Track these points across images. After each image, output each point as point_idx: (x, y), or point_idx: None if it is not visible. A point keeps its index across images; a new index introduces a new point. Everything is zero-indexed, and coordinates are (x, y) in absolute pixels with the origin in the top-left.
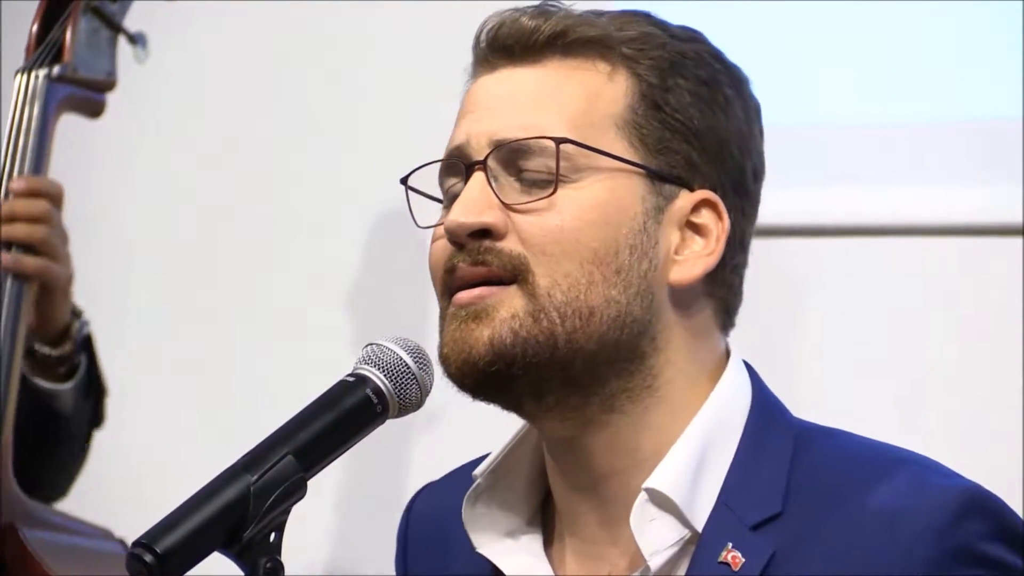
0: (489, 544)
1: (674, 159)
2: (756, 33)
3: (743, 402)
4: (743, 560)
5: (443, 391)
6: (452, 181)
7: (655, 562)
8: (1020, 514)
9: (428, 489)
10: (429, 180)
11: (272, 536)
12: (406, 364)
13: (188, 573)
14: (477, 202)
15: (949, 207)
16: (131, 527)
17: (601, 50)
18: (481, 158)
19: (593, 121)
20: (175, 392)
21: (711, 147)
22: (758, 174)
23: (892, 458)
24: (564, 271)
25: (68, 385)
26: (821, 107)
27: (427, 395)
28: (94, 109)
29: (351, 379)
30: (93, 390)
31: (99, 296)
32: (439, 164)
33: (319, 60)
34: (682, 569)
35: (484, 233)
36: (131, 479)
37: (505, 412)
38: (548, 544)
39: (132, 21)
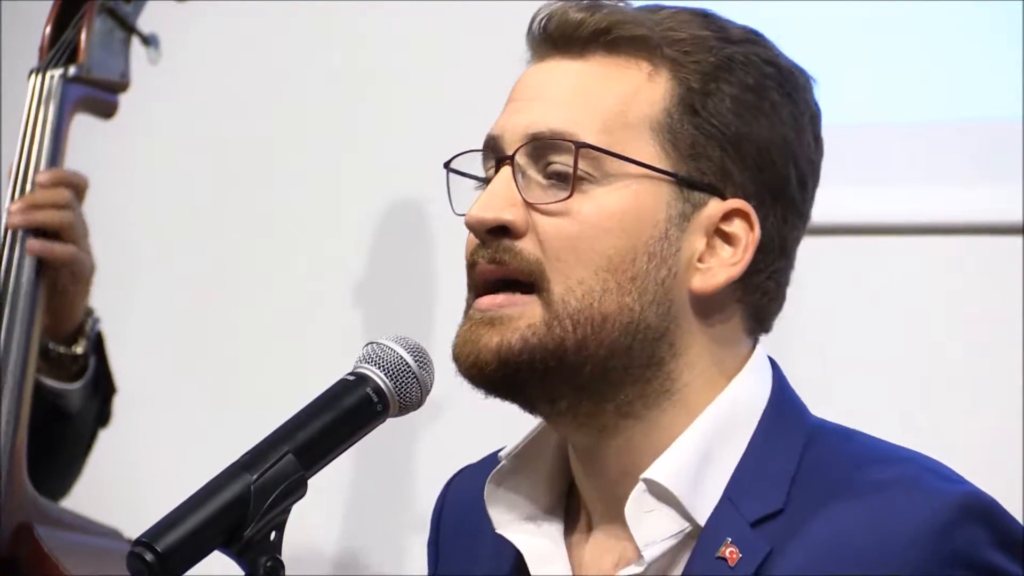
0: (509, 526)
1: (707, 166)
2: None
3: (759, 400)
4: (740, 556)
5: (452, 385)
6: (489, 165)
7: (650, 553)
8: (1021, 513)
9: (465, 472)
10: (470, 160)
11: (272, 535)
12: (407, 363)
13: (189, 572)
14: (499, 198)
15: (949, 206)
16: (131, 526)
17: (644, 49)
18: (511, 152)
19: (627, 121)
20: (175, 391)
21: (748, 155)
22: (805, 181)
23: (897, 460)
24: (578, 278)
25: (76, 385)
26: (821, 107)
27: (427, 394)
28: (107, 110)
29: (351, 378)
30: (101, 389)
31: (100, 295)
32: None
33: (321, 61)
34: (683, 562)
35: (503, 230)
36: (131, 478)
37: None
38: (570, 531)
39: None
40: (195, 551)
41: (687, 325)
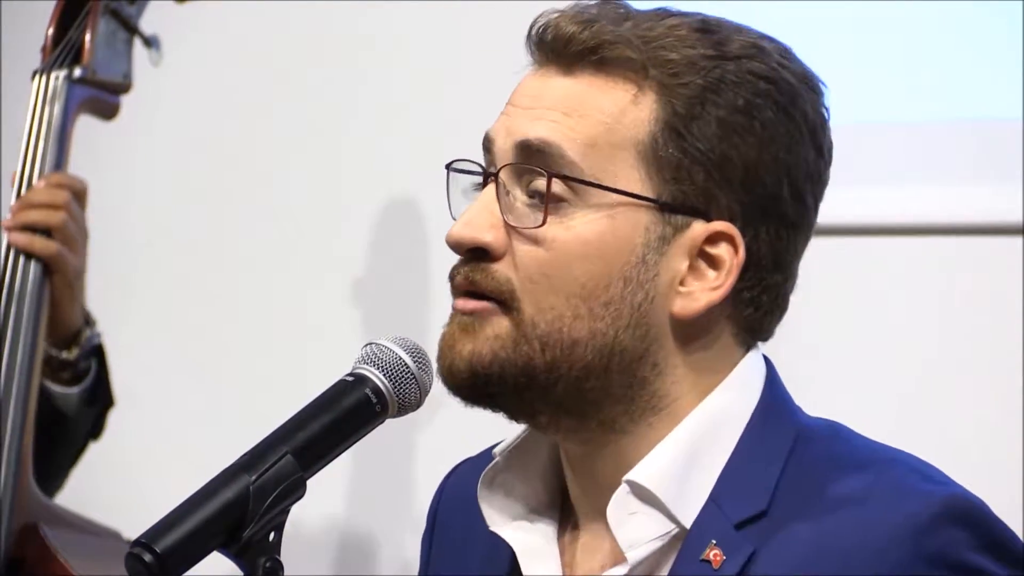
0: (503, 523)
1: (690, 188)
2: None
3: (747, 402)
4: (724, 558)
5: None
6: (488, 160)
7: (633, 555)
8: (1021, 513)
9: (463, 466)
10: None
11: (271, 535)
12: (405, 364)
13: (187, 573)
14: (480, 217)
15: (949, 206)
16: (131, 527)
17: (631, 70)
18: (498, 166)
19: (612, 142)
20: (174, 391)
21: (734, 177)
22: (802, 195)
23: (883, 461)
24: (549, 303)
25: (73, 390)
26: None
27: (426, 395)
28: (109, 111)
29: (350, 379)
30: (99, 400)
31: (101, 295)
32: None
33: (321, 61)
34: (668, 564)
35: (481, 251)
36: (130, 479)
37: None
38: (564, 529)
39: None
40: (194, 552)
41: (670, 346)
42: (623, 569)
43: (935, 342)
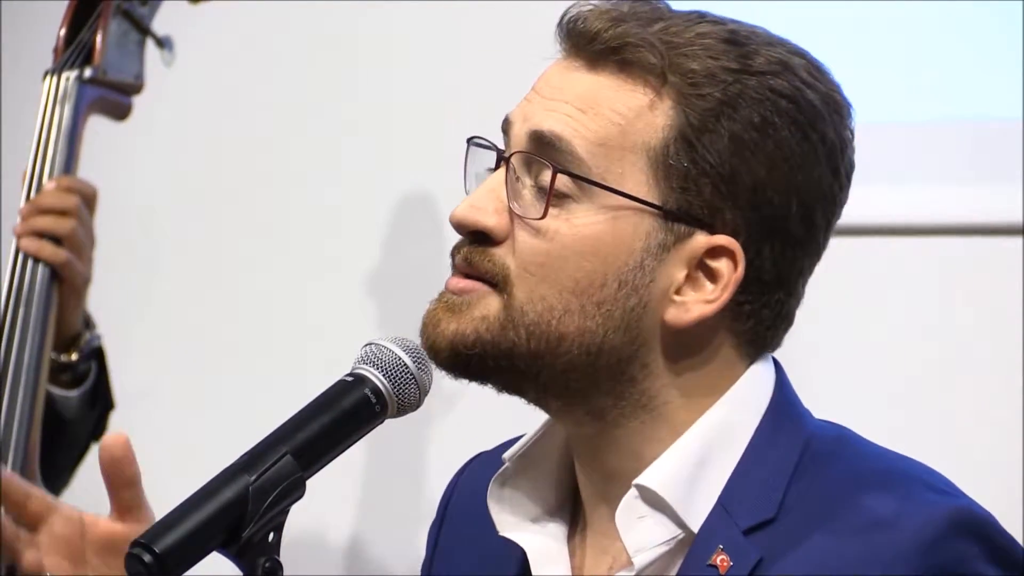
0: (513, 528)
1: (696, 200)
2: None
3: (757, 407)
4: (731, 564)
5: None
6: (504, 142)
7: (640, 559)
8: (1021, 513)
9: (479, 459)
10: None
11: (271, 536)
12: (405, 364)
13: (187, 573)
14: (485, 200)
15: (949, 207)
16: None
17: (652, 75)
18: (513, 150)
19: (624, 144)
20: (174, 391)
21: (742, 193)
22: (812, 215)
23: (891, 471)
24: (541, 294)
25: (73, 393)
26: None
27: (426, 395)
28: (121, 112)
29: (350, 379)
30: (99, 402)
31: (107, 295)
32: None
33: (333, 60)
34: (675, 569)
35: (483, 234)
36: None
37: None
38: (574, 531)
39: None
40: (193, 552)
41: (661, 350)
42: (630, 572)
43: (935, 342)
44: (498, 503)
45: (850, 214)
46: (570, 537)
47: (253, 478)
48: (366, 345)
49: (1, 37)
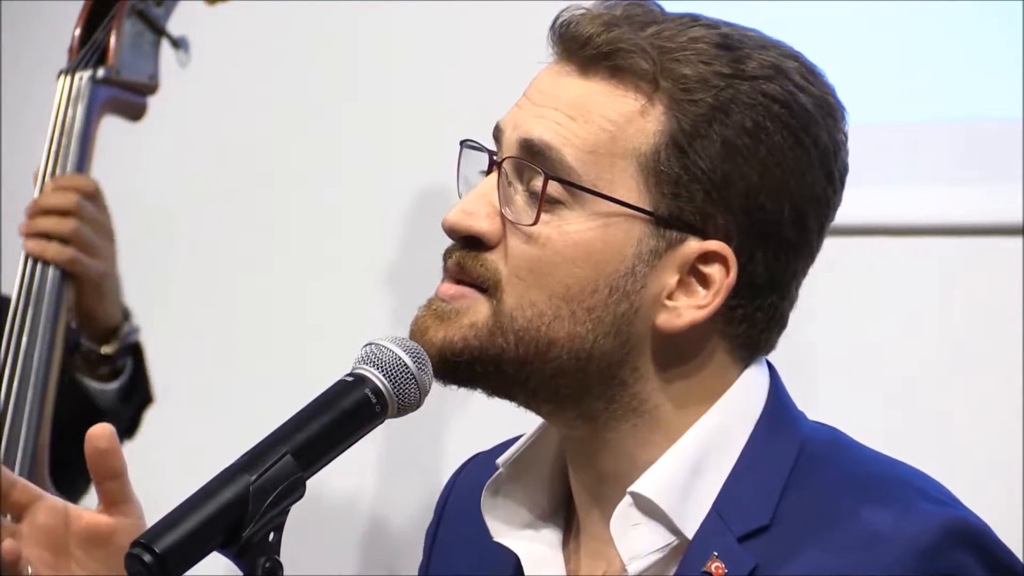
0: (507, 534)
1: (688, 205)
2: None
3: (751, 412)
4: (725, 571)
5: None
6: (493, 151)
7: (635, 567)
8: (1021, 513)
9: (476, 460)
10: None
11: (271, 536)
12: (405, 364)
13: (187, 573)
14: (477, 205)
15: (948, 207)
16: None
17: (644, 80)
18: (504, 154)
19: (614, 151)
20: (175, 392)
21: (734, 198)
22: (804, 220)
23: (887, 479)
24: (531, 300)
25: (110, 386)
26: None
27: (426, 395)
28: (135, 112)
29: (350, 379)
30: (136, 396)
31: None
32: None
33: (328, 64)
34: (671, 574)
35: (475, 239)
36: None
37: None
38: (568, 536)
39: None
40: (193, 552)
41: (652, 355)
42: None
43: (933, 343)
44: (492, 509)
45: (848, 215)
46: (564, 542)
47: (253, 478)
48: (366, 345)
49: (1, 37)
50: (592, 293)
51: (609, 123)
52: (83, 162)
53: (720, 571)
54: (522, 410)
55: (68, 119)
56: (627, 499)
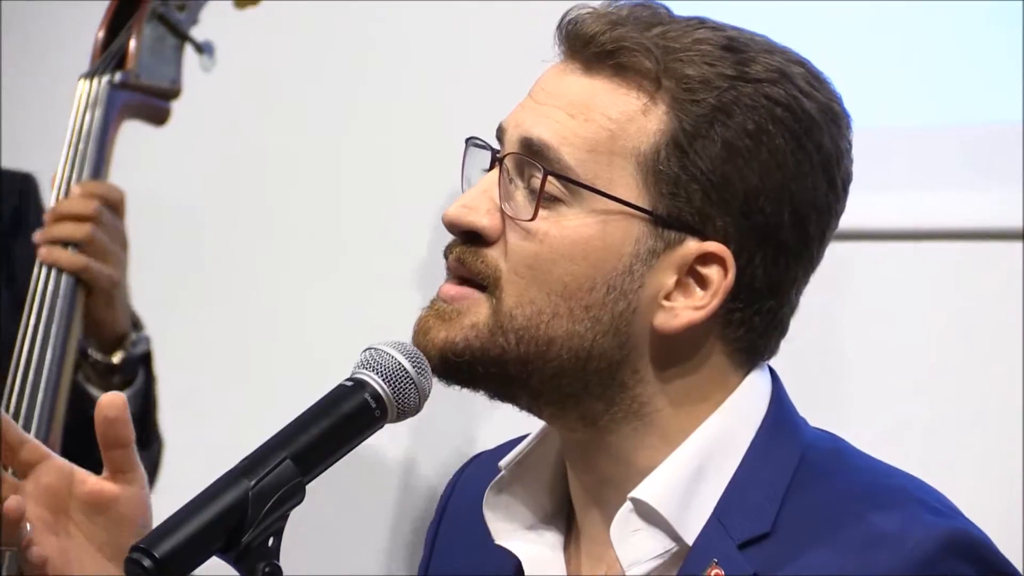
0: (508, 536)
1: (686, 206)
2: None
3: (753, 418)
4: None
5: None
6: (496, 150)
7: (634, 572)
8: (1021, 514)
9: (479, 459)
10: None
11: (271, 541)
12: (404, 369)
13: None
14: (477, 201)
15: (949, 211)
16: None
17: (647, 79)
18: (506, 151)
19: (613, 149)
20: (176, 394)
21: (733, 200)
22: (805, 224)
23: (890, 490)
24: (530, 297)
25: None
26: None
27: (425, 400)
28: (158, 116)
29: (349, 383)
30: (145, 408)
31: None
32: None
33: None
34: None
35: (475, 234)
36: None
37: None
38: (569, 539)
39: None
40: (193, 557)
41: (651, 356)
42: None
43: (935, 347)
44: (493, 511)
45: (850, 219)
46: (565, 545)
47: (253, 483)
48: (366, 350)
49: (1, 37)
50: (590, 291)
51: (610, 121)
52: (100, 166)
53: None
54: (515, 413)
55: (86, 123)
56: (628, 505)
